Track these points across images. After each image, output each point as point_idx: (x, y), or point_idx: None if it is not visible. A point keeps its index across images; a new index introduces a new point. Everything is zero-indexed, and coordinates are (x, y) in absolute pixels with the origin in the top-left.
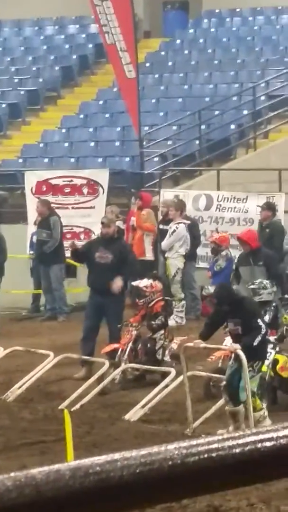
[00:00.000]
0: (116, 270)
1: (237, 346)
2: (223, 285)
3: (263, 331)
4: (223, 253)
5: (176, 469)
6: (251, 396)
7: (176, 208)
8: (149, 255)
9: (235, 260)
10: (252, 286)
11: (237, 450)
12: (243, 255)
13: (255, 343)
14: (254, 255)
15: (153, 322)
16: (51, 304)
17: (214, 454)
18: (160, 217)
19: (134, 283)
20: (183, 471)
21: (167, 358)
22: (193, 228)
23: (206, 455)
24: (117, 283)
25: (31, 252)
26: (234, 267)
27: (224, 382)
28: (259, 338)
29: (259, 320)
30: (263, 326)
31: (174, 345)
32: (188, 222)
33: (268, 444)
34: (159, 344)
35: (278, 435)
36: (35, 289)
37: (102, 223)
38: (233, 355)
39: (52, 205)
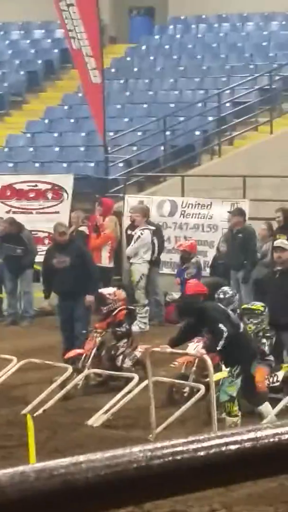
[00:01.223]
0: (76, 273)
1: (203, 351)
2: (185, 299)
3: (225, 334)
4: (193, 260)
5: (141, 472)
6: (229, 401)
7: (142, 214)
8: (105, 262)
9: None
10: (221, 296)
11: (202, 453)
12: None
13: (218, 347)
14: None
15: (117, 329)
16: (14, 309)
17: (179, 457)
18: (124, 223)
19: (100, 290)
20: (148, 474)
21: (126, 365)
22: (158, 234)
23: (171, 458)
24: (88, 299)
25: None
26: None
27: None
28: (222, 342)
29: (220, 325)
30: (225, 329)
31: (137, 353)
32: (153, 228)
33: (232, 447)
34: (120, 351)
35: (243, 438)
36: None
37: (59, 231)
38: (185, 366)
39: (17, 209)
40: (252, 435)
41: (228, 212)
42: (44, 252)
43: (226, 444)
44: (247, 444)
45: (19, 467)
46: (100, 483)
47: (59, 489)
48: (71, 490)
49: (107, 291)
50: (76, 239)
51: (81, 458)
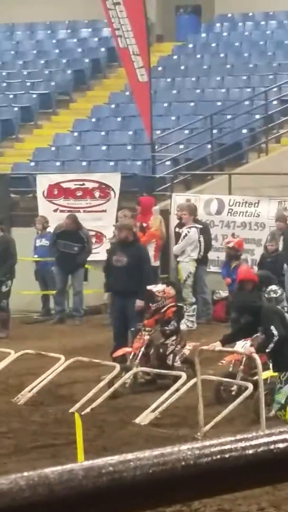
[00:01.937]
0: (131, 273)
1: (252, 349)
2: (241, 298)
3: (275, 338)
4: (242, 257)
5: (189, 470)
6: (280, 409)
7: (189, 212)
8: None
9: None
10: (272, 295)
11: (250, 451)
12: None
13: (267, 350)
14: (257, 285)
15: (166, 328)
16: (61, 307)
17: (227, 455)
18: (171, 221)
19: (149, 287)
20: (196, 472)
21: (177, 363)
22: (205, 232)
23: (219, 456)
24: (138, 304)
25: (36, 256)
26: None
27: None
28: (272, 345)
29: (272, 327)
30: (275, 333)
31: (186, 351)
32: (200, 226)
33: (281, 445)
34: (170, 349)
35: None
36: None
37: (115, 227)
38: (233, 364)
39: (64, 208)
40: None
41: None
42: (92, 251)
43: (275, 442)
44: None
45: (68, 465)
46: (148, 481)
47: (108, 487)
48: (119, 488)
49: (156, 288)
50: (138, 241)
51: (129, 456)
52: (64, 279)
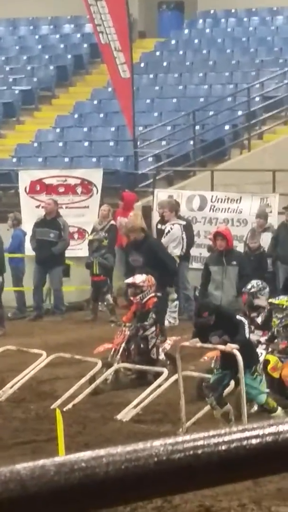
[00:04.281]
0: (150, 269)
1: (234, 345)
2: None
3: (246, 321)
4: None
5: (161, 466)
6: (267, 399)
7: (170, 209)
8: None
9: (205, 260)
10: (253, 290)
11: (223, 447)
12: (214, 255)
13: (247, 335)
14: (228, 255)
15: (146, 323)
16: (38, 304)
17: (200, 451)
18: (153, 217)
19: (128, 280)
20: (169, 468)
21: (161, 356)
22: (188, 229)
23: (192, 452)
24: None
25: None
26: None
27: (207, 386)
28: (247, 330)
29: (237, 316)
30: (243, 318)
31: (167, 345)
32: (184, 223)
33: (254, 441)
34: (152, 342)
35: (264, 433)
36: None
37: (122, 235)
38: (215, 360)
39: (46, 204)
40: (273, 429)
41: (284, 208)
42: (73, 247)
43: (248, 438)
44: (269, 438)
45: (40, 461)
46: (121, 477)
47: (80, 483)
48: (92, 484)
49: (138, 279)
50: (150, 237)
51: (102, 452)
52: (42, 276)
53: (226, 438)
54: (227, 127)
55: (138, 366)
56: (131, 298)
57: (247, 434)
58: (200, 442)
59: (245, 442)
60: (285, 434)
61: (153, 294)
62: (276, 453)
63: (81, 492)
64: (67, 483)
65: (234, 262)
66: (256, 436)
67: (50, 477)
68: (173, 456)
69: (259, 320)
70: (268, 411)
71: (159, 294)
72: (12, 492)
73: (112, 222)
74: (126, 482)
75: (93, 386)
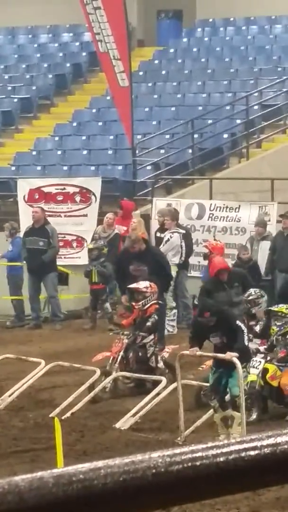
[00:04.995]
0: (152, 277)
1: (234, 354)
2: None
3: (244, 328)
4: None
5: (159, 478)
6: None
7: (171, 217)
8: None
9: (206, 286)
10: (251, 297)
11: (221, 459)
12: (215, 281)
13: (246, 343)
14: (229, 279)
15: (148, 324)
16: (36, 313)
17: (198, 463)
18: (152, 225)
19: (132, 286)
20: (167, 480)
21: (160, 364)
22: (187, 238)
23: (190, 464)
24: None
25: (5, 260)
26: (203, 291)
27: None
28: (245, 337)
29: (237, 322)
30: (242, 324)
31: (165, 354)
32: (183, 231)
33: (252, 453)
34: (150, 351)
35: (262, 444)
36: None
37: (129, 238)
38: (212, 362)
39: (32, 212)
40: (271, 440)
41: (281, 216)
42: (71, 255)
43: (246, 450)
44: (267, 450)
45: (38, 473)
46: (119, 489)
47: (78, 495)
48: (90, 496)
49: (142, 285)
50: (152, 246)
51: (100, 463)
52: (35, 286)
53: (225, 450)
54: (225, 135)
55: (136, 375)
56: (133, 303)
57: (245, 445)
58: (199, 454)
59: (243, 454)
60: (283, 445)
61: (155, 301)
62: (274, 465)
63: (80, 504)
64: (65, 495)
65: (236, 284)
66: (254, 448)
67: (48, 489)
68: (171, 467)
69: (257, 328)
70: (233, 406)
71: (161, 301)
72: (10, 504)
73: (116, 231)
74: (125, 494)
75: (91, 394)
